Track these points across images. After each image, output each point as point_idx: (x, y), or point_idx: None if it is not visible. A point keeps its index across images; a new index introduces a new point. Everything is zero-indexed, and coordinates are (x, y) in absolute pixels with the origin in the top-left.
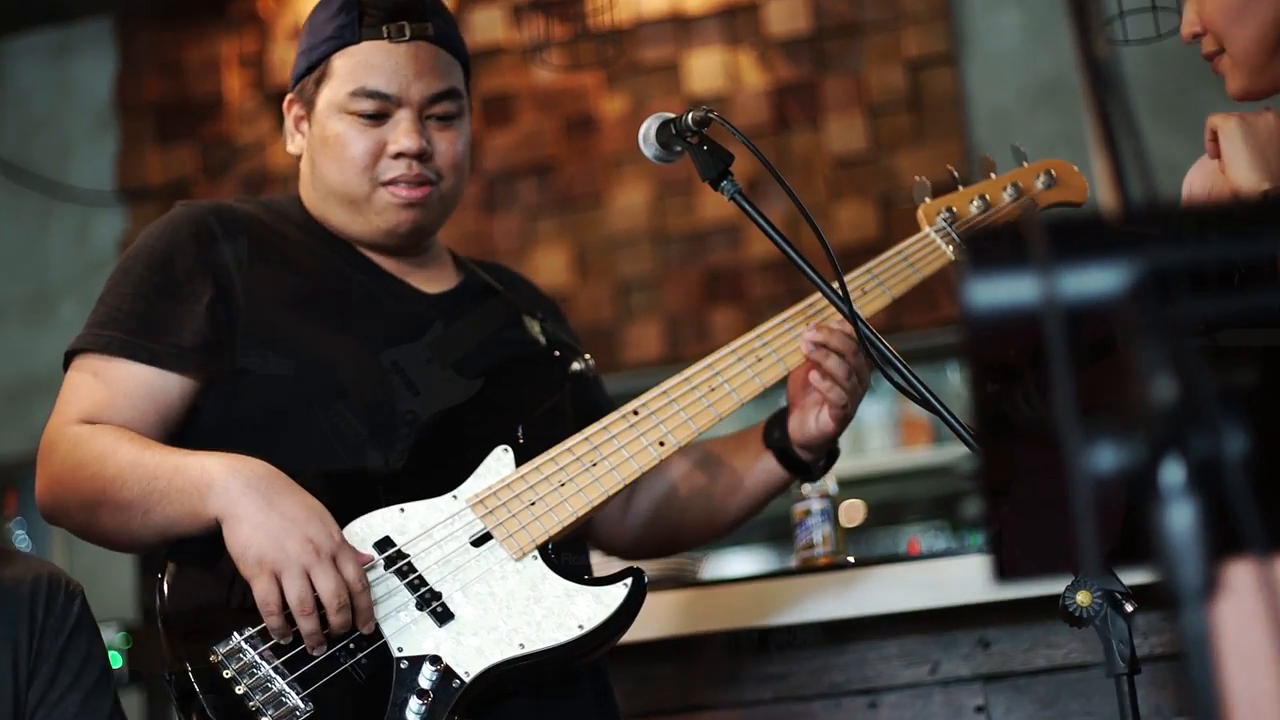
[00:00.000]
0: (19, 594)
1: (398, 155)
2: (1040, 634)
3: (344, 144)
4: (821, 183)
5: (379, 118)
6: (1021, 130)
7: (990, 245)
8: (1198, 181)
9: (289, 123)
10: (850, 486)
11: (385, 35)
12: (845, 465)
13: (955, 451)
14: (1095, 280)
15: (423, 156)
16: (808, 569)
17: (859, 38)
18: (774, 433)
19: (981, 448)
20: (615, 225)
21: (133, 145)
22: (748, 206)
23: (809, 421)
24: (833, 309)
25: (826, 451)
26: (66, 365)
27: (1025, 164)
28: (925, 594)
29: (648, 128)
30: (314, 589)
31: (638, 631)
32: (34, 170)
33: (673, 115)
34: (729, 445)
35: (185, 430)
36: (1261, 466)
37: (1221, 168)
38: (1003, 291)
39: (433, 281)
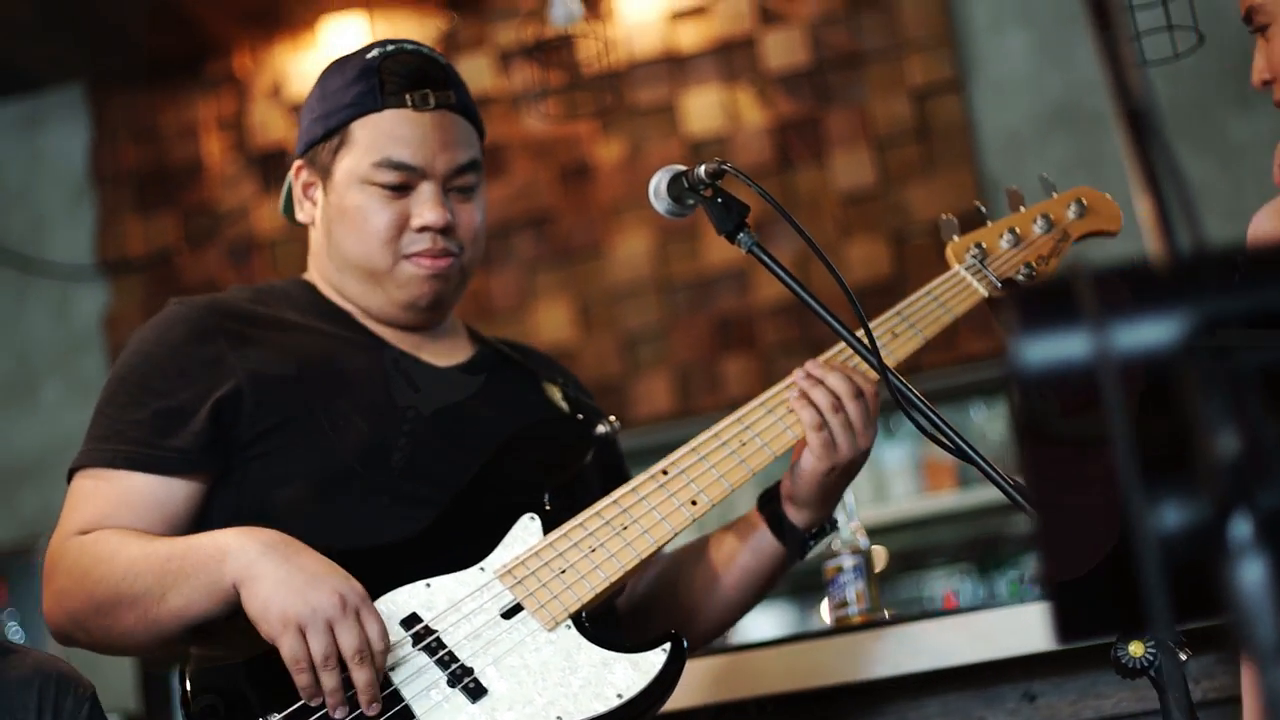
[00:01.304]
0: (25, 697)
1: (422, 229)
2: (1087, 684)
3: (365, 216)
4: (830, 221)
5: (402, 189)
6: (1034, 155)
7: (1038, 301)
8: (1266, 223)
9: (297, 189)
10: (874, 534)
11: (409, 104)
12: (869, 513)
13: (981, 495)
14: (1149, 333)
15: (446, 230)
16: (842, 629)
17: (861, 68)
18: (767, 496)
19: (1038, 504)
20: (618, 275)
21: (111, 216)
22: (766, 259)
23: (794, 467)
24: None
25: (820, 515)
26: (69, 480)
27: (1055, 194)
28: (966, 649)
29: (658, 182)
30: (337, 645)
31: (682, 699)
32: (9, 246)
33: (683, 168)
34: (717, 532)
35: (194, 528)
36: None
37: None
38: (1053, 348)
39: (446, 355)
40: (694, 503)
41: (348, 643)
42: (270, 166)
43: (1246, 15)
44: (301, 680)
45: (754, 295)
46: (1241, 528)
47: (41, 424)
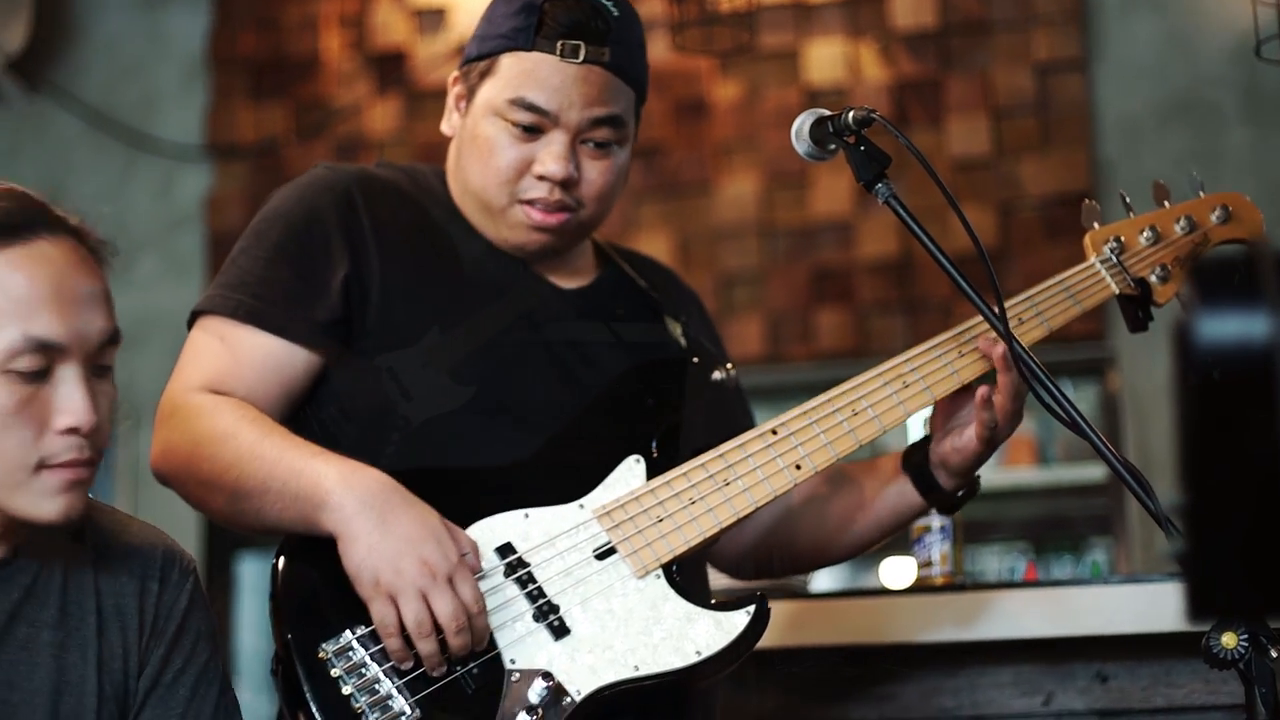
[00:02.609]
0: (131, 568)
1: (541, 177)
2: (1160, 672)
3: (492, 150)
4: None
5: (533, 131)
6: (1151, 144)
7: (1219, 276)
8: None
9: (450, 99)
10: None
11: (558, 51)
12: None
13: (1059, 474)
14: None
15: (567, 184)
16: (923, 588)
17: (987, 36)
18: (914, 456)
19: (1193, 482)
20: (722, 215)
21: (223, 100)
22: (903, 212)
23: (953, 439)
24: (988, 332)
25: (967, 480)
26: (191, 323)
27: (1201, 194)
28: (1044, 622)
29: (801, 124)
30: (431, 611)
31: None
32: (119, 119)
33: (829, 112)
34: (860, 467)
35: (307, 410)
36: None
37: None
38: (1231, 326)
39: (571, 277)
40: (798, 467)
41: (443, 610)
42: (387, 68)
43: None
44: (391, 645)
45: (855, 250)
46: None
47: (134, 297)
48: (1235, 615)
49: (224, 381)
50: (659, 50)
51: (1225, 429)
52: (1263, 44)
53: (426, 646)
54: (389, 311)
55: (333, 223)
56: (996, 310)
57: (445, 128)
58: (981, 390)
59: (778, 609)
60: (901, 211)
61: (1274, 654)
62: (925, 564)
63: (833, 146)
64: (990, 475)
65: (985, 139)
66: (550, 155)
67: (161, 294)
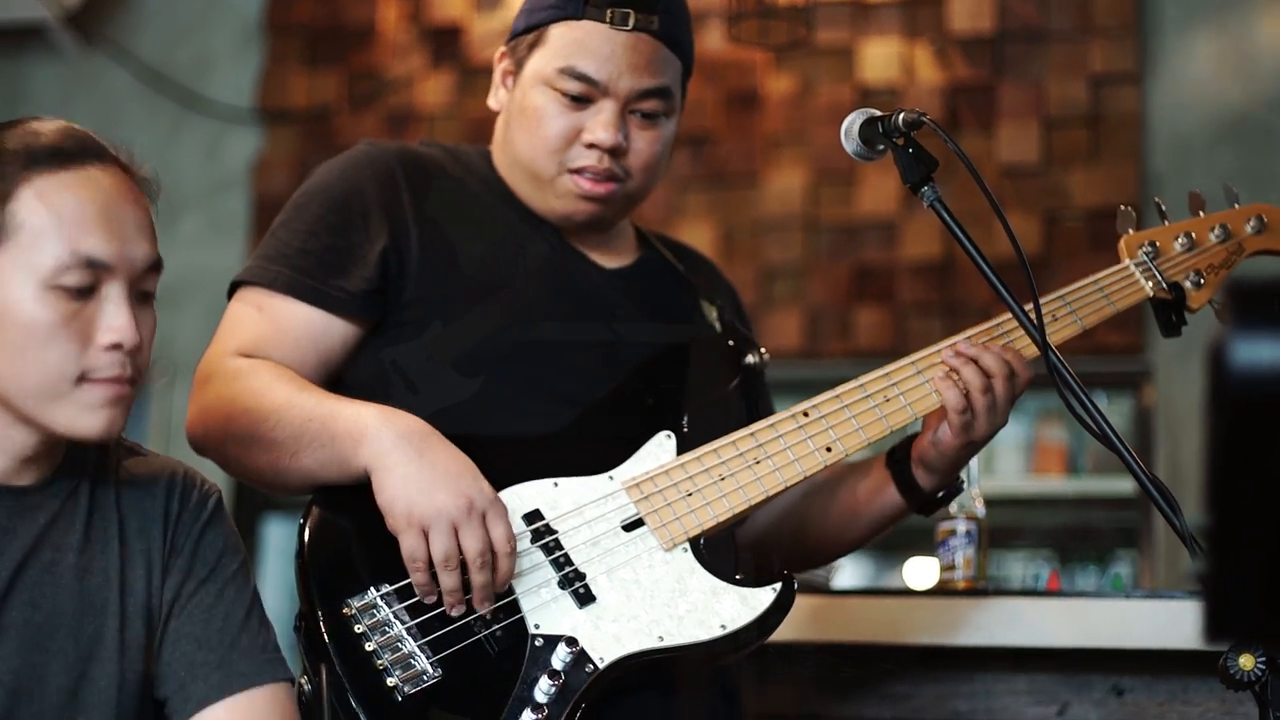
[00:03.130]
0: (154, 491)
1: (590, 145)
2: (1177, 689)
3: (541, 119)
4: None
5: (582, 101)
6: (1202, 162)
7: (1258, 297)
8: None
9: (497, 75)
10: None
11: (608, 19)
12: None
13: (1088, 485)
14: None
15: (616, 152)
16: (944, 591)
17: (1042, 45)
18: (897, 453)
19: (1218, 503)
20: (767, 208)
21: (278, 65)
22: (947, 216)
23: (929, 432)
24: (1019, 334)
25: (947, 478)
26: (230, 295)
27: (1237, 205)
28: (1062, 632)
29: (851, 123)
30: (460, 546)
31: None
32: (172, 78)
33: (880, 113)
34: (856, 467)
35: (342, 378)
36: None
37: None
38: (1266, 350)
39: (612, 256)
40: (829, 449)
41: (470, 545)
42: (442, 42)
43: None
44: (417, 579)
45: (898, 250)
46: None
47: (176, 255)
48: (1251, 638)
49: (261, 348)
50: (714, 40)
51: (1255, 452)
52: None
53: (449, 580)
54: (428, 283)
55: (373, 196)
56: (1034, 318)
57: (492, 103)
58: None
59: (801, 603)
60: (945, 215)
61: None
62: (948, 567)
63: (881, 147)
64: (1019, 482)
65: (1035, 147)
66: (600, 124)
67: (204, 254)
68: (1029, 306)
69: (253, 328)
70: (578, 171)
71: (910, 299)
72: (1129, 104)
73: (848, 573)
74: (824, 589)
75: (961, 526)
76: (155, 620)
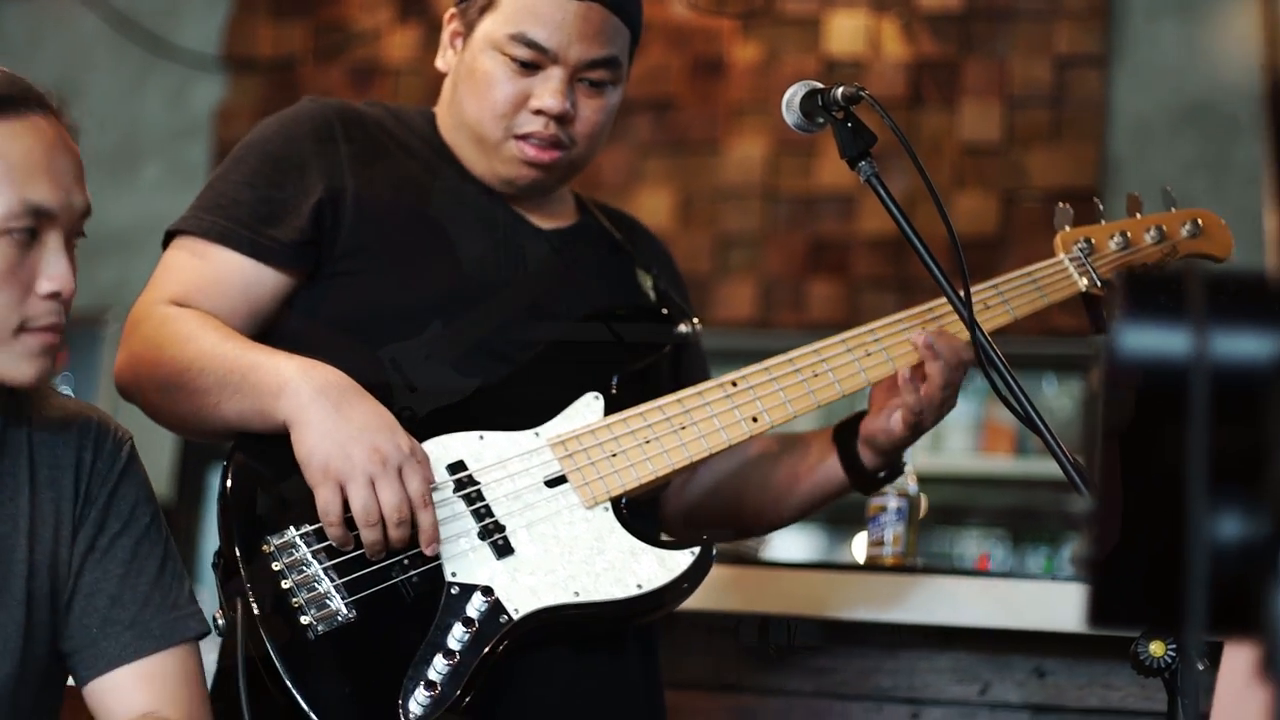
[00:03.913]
0: (66, 436)
1: (538, 112)
2: (1099, 672)
3: (489, 84)
4: (947, 167)
5: (531, 67)
6: (1162, 147)
7: (1148, 289)
8: None
9: (445, 36)
10: (921, 483)
11: None
12: (920, 460)
13: (1033, 467)
14: (1248, 345)
15: (563, 119)
16: (872, 567)
17: (1009, 23)
18: (844, 430)
19: (1096, 486)
20: (727, 176)
21: (245, 13)
22: (883, 192)
23: (881, 419)
24: (953, 314)
25: (891, 460)
26: (166, 244)
27: (1174, 209)
28: (987, 612)
29: (793, 95)
30: (378, 500)
31: (689, 602)
32: (139, 23)
33: (822, 86)
34: (799, 439)
35: (273, 328)
36: None
37: None
38: (1152, 339)
39: (549, 219)
40: (755, 420)
41: (388, 499)
42: None
43: None
44: (333, 533)
45: (855, 224)
46: None
47: (136, 201)
48: (1134, 624)
49: (192, 296)
50: (680, 6)
51: (1140, 439)
52: None
53: (370, 535)
54: (362, 237)
55: (310, 150)
56: (962, 295)
57: (440, 64)
58: (901, 371)
59: (725, 573)
60: (882, 191)
61: (1201, 666)
62: (877, 543)
63: (821, 120)
64: (968, 461)
65: (997, 126)
66: (548, 91)
67: (165, 201)
68: (975, 286)
69: (185, 276)
70: (523, 137)
71: (865, 273)
72: (1092, 87)
73: (798, 545)
74: (752, 559)
75: (893, 503)
76: (65, 572)
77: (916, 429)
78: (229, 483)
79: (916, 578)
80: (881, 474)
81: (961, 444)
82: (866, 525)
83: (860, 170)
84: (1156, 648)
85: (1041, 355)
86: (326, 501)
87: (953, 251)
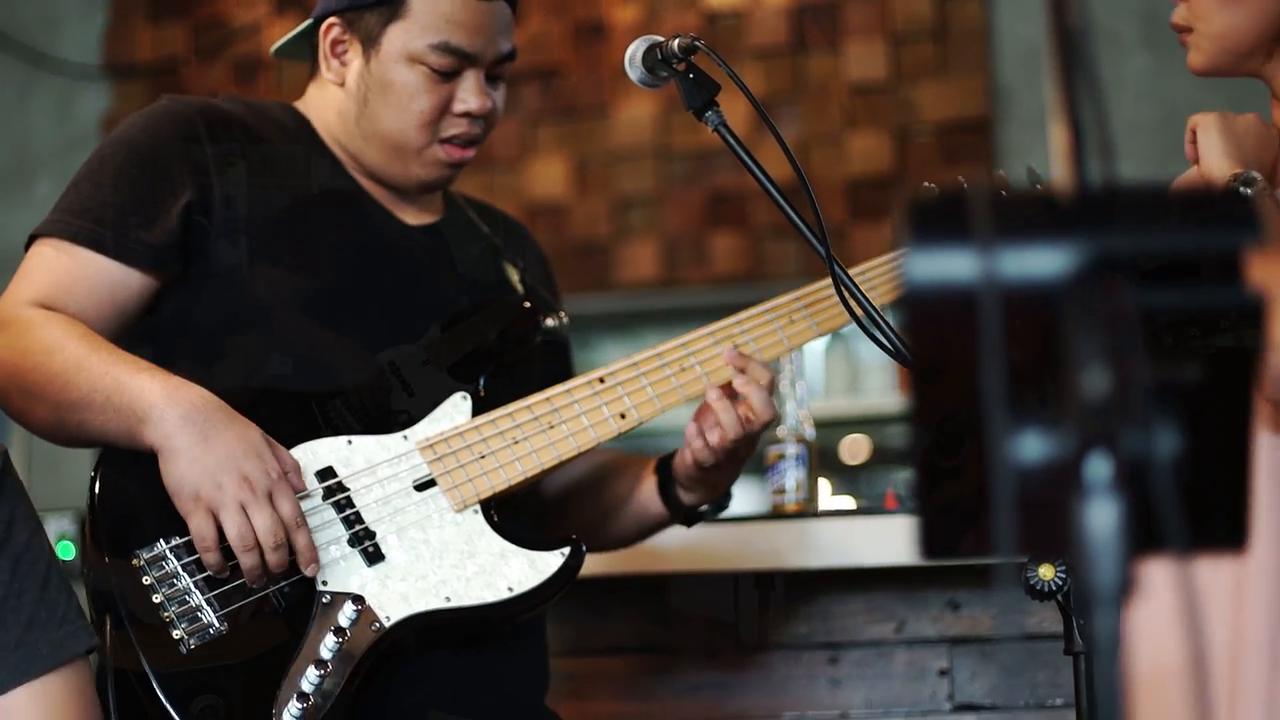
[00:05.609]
0: None
1: (463, 114)
2: (1012, 600)
3: (411, 95)
4: (837, 109)
5: (450, 75)
6: (1050, 70)
7: (932, 214)
8: None
9: (324, 45)
10: (848, 426)
11: None
12: (841, 403)
13: None
14: (1038, 262)
15: (486, 116)
16: (775, 515)
17: None
18: (662, 463)
19: (914, 420)
20: (618, 139)
21: (122, 20)
22: (732, 140)
23: (689, 451)
24: (820, 308)
25: (709, 494)
26: (28, 246)
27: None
28: (897, 550)
29: (634, 50)
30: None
31: (600, 566)
32: (18, 38)
33: (660, 39)
34: (634, 461)
35: (141, 329)
36: (1192, 467)
37: (1200, 168)
38: (943, 269)
39: (417, 214)
40: (623, 416)
41: (261, 524)
42: None
43: None
44: (208, 559)
45: (750, 175)
46: (1098, 468)
47: (32, 217)
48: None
49: (57, 299)
50: None
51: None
52: None
53: (249, 560)
54: (229, 236)
55: (174, 150)
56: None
57: (329, 75)
58: (710, 392)
59: None
60: (731, 139)
61: None
62: (779, 491)
63: (664, 74)
64: (889, 399)
65: (883, 64)
66: (471, 93)
67: None
68: (864, 282)
69: (50, 277)
70: (447, 140)
71: (765, 222)
72: (974, 16)
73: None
74: None
75: (791, 450)
76: None
77: (734, 456)
78: (96, 496)
79: (821, 521)
80: (702, 508)
81: (879, 384)
82: (765, 475)
83: (707, 120)
84: (1046, 571)
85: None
86: (200, 529)
87: (881, 194)
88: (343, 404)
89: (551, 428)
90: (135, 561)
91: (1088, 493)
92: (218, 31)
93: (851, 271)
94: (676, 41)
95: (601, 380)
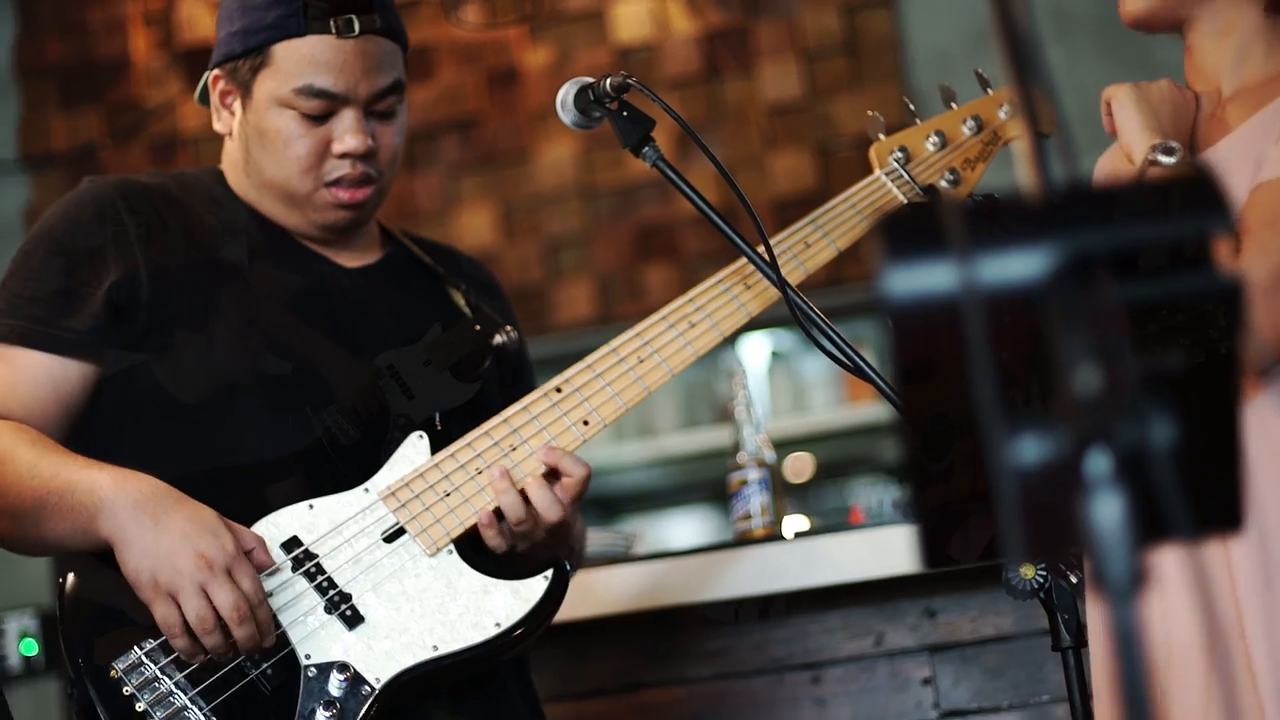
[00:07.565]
0: None
1: (343, 155)
2: (988, 602)
3: (286, 141)
4: (756, 132)
5: (323, 116)
6: (964, 73)
7: (906, 228)
8: (1105, 166)
9: (214, 99)
10: (795, 444)
11: (333, 30)
12: (787, 423)
13: None
14: (1017, 265)
15: (368, 155)
16: (744, 541)
17: None
18: None
19: (909, 436)
20: (542, 182)
21: (35, 110)
22: (671, 173)
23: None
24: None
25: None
26: None
27: (989, 92)
28: (868, 564)
29: (565, 94)
30: (214, 605)
31: (574, 610)
32: None
33: (591, 80)
34: None
35: (88, 418)
36: (1188, 454)
37: (1120, 141)
38: (922, 279)
39: (355, 256)
40: (586, 423)
41: (223, 602)
42: (197, 64)
43: None
44: (178, 644)
45: (677, 205)
46: (1098, 463)
47: None
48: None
49: (1, 404)
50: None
51: (928, 381)
52: None
53: (212, 640)
54: (161, 310)
55: (95, 233)
56: (768, 258)
57: (219, 127)
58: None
59: (604, 575)
60: (670, 173)
61: (1074, 579)
62: (745, 517)
63: (597, 114)
64: (836, 414)
65: (797, 82)
66: (349, 133)
67: None
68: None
69: None
70: (334, 183)
71: (696, 250)
72: (883, 27)
73: (692, 528)
74: (625, 558)
75: (754, 474)
76: None
77: (515, 537)
78: (64, 607)
79: (790, 543)
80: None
81: (825, 399)
82: (730, 503)
83: (645, 156)
84: (1027, 570)
85: (836, 306)
86: (164, 616)
87: (797, 212)
88: (297, 468)
89: (514, 450)
90: (113, 674)
91: (1091, 488)
92: (132, 114)
93: (772, 241)
94: (609, 80)
95: (559, 390)
